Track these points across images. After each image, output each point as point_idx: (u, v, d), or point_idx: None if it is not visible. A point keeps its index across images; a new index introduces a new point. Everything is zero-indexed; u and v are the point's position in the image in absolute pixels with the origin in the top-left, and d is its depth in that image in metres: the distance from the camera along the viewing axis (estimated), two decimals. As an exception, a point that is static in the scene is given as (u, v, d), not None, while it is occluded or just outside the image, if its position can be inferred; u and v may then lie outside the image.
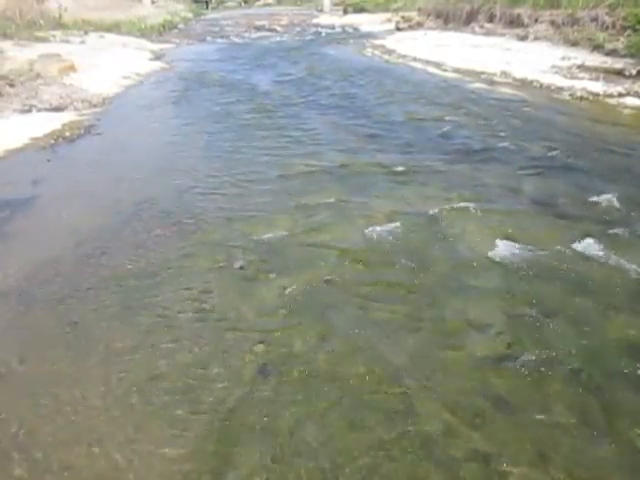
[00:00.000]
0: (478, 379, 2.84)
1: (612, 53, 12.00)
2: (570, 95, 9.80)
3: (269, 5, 50.68)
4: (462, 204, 5.00)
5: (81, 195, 5.63)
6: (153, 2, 43.13)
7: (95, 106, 9.73)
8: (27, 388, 2.90)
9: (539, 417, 2.59)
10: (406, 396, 2.74)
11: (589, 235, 4.29)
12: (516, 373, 2.87)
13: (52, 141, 7.49)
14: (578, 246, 4.16)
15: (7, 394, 2.87)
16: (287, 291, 3.67)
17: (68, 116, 8.89)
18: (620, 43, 12.07)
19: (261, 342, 3.17)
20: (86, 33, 19.46)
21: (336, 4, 38.83)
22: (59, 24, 20.39)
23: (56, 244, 4.51)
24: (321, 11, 38.42)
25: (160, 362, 3.04)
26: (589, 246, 4.14)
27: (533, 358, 2.97)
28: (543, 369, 2.89)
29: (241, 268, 3.99)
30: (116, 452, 2.50)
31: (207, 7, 46.18)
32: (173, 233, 4.60)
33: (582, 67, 11.62)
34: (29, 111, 8.97)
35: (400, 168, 6.03)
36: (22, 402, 2.81)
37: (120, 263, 4.14)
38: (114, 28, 22.63)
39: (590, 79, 10.73)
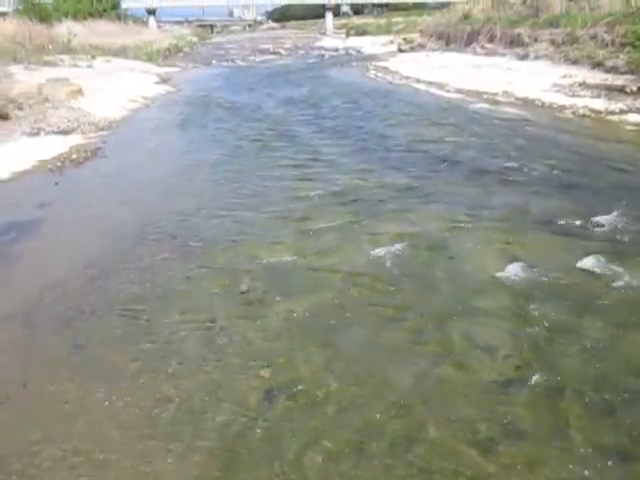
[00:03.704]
0: (487, 403, 2.80)
1: (612, 70, 12.07)
2: (572, 113, 9.86)
3: (273, 29, 51.57)
4: (468, 224, 5.00)
5: (87, 218, 5.67)
6: (159, 27, 43.93)
7: (102, 129, 9.86)
8: (30, 412, 2.88)
9: (550, 443, 2.54)
10: (413, 421, 2.70)
11: (596, 254, 4.26)
12: (525, 397, 2.83)
13: (59, 164, 7.57)
14: (585, 265, 4.13)
15: (9, 418, 2.85)
16: (293, 315, 3.64)
17: (75, 139, 9.01)
18: (620, 60, 12.15)
19: (267, 366, 3.13)
20: (94, 57, 19.78)
21: (339, 27, 39.45)
22: (68, 49, 20.75)
23: (62, 267, 4.53)
24: (324, 34, 39.02)
25: (165, 386, 3.02)
26: (596, 265, 4.11)
27: (542, 381, 2.92)
28: (553, 392, 2.85)
29: (247, 291, 3.97)
30: (121, 477, 2.46)
31: (212, 31, 47.04)
32: (179, 256, 4.60)
33: (583, 85, 11.70)
34: (37, 134, 9.09)
35: (405, 189, 6.04)
36: (24, 426, 2.78)
37: (126, 286, 4.14)
38: (121, 53, 23.02)
39: (592, 96, 10.79)
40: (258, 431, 2.68)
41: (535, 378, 2.95)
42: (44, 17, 23.86)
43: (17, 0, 26.69)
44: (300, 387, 2.97)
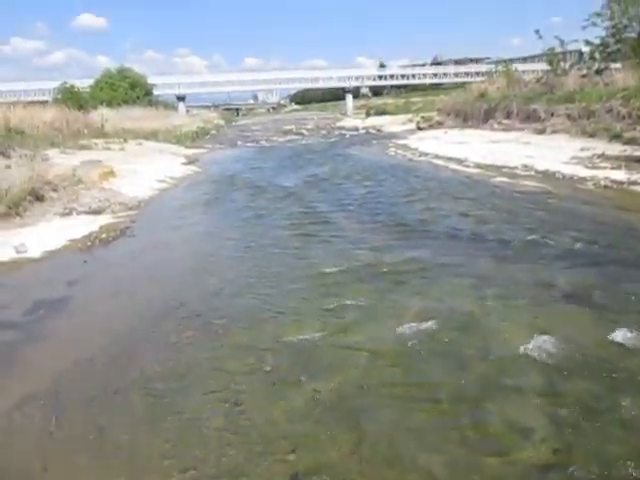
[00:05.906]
0: (525, 491, 2.63)
1: (631, 142, 12.24)
2: (594, 184, 9.88)
3: (296, 111, 54.12)
4: (494, 300, 4.91)
5: (113, 295, 5.76)
6: (188, 111, 46.48)
7: (131, 209, 10.21)
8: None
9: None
10: (448, 511, 2.55)
11: (627, 326, 4.13)
12: (566, 484, 2.66)
13: (89, 243, 7.79)
14: (616, 338, 4.00)
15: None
16: (318, 395, 3.55)
17: (105, 219, 9.33)
18: (637, 132, 12.33)
19: (292, 450, 3.02)
20: (125, 141, 20.88)
21: (359, 108, 41.15)
22: (102, 133, 22.00)
23: (87, 344, 4.55)
24: (345, 115, 40.67)
25: (188, 472, 2.92)
26: (628, 338, 3.98)
27: (583, 465, 2.75)
28: (595, 478, 2.67)
29: (271, 371, 3.90)
30: None
31: (238, 114, 49.56)
32: (203, 335, 4.59)
33: (602, 156, 11.82)
34: (69, 214, 9.46)
35: (428, 264, 6.01)
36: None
37: (149, 365, 4.12)
38: (151, 136, 24.30)
39: (612, 168, 10.86)
40: (283, 521, 2.55)
41: (575, 462, 2.78)
42: (81, 105, 25.55)
43: (57, 89, 28.71)
44: (326, 472, 2.84)
